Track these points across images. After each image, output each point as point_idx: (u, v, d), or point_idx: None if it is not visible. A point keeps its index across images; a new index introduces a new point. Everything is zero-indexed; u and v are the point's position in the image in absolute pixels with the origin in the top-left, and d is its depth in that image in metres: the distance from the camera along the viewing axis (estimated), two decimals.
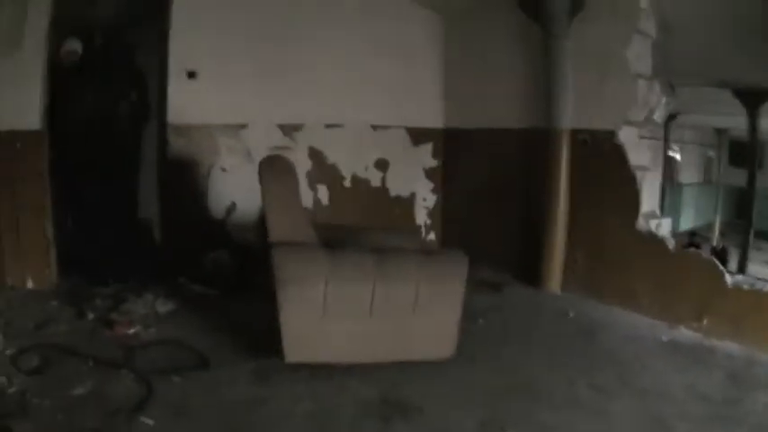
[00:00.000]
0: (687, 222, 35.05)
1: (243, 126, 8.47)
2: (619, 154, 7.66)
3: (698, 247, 20.50)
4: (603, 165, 7.84)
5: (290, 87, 8.66)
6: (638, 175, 7.59)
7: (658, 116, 8.09)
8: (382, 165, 9.83)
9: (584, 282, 8.19)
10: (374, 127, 9.64)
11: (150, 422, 4.40)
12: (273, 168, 5.85)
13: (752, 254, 28.10)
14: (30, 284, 7.37)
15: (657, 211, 8.15)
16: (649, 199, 7.88)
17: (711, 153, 37.13)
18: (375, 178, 9.80)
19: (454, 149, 10.15)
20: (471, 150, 9.80)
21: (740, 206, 17.56)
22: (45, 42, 7.20)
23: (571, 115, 8.07)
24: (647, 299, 7.52)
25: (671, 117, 24.97)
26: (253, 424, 4.54)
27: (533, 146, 8.51)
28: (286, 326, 5.21)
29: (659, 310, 7.38)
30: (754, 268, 24.53)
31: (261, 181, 5.57)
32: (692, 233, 21.93)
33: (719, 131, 31.82)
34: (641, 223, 7.57)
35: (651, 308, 7.46)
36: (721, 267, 7.03)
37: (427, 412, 4.81)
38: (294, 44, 8.67)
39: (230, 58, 8.19)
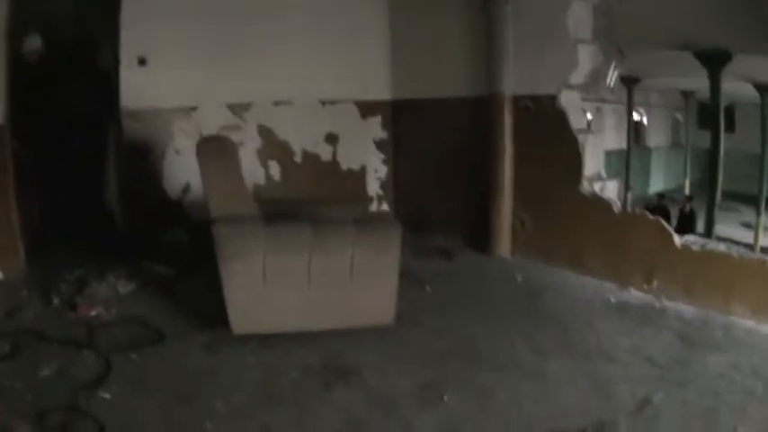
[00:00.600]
0: (657, 185, 35.14)
1: (194, 108, 8.54)
2: (560, 118, 7.76)
3: (664, 209, 20.71)
4: (546, 129, 7.95)
5: (239, 67, 8.73)
6: (581, 138, 7.70)
7: (607, 80, 8.20)
8: (332, 139, 9.93)
9: (533, 246, 8.33)
10: (323, 102, 9.73)
11: (107, 396, 4.58)
12: (211, 148, 6.03)
13: (727, 215, 28.35)
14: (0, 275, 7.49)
15: (603, 173, 8.24)
16: (594, 161, 8.02)
17: (679, 116, 37.23)
18: (326, 152, 9.90)
19: (404, 120, 10.22)
20: (420, 121, 9.86)
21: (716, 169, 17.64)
22: (3, 38, 7.27)
23: (513, 81, 8.19)
24: (595, 261, 7.65)
25: (634, 80, 25.12)
26: (204, 392, 4.70)
27: (479, 113, 8.60)
28: (230, 299, 5.36)
29: (608, 273, 7.50)
30: (727, 230, 24.75)
31: (199, 161, 5.72)
32: (661, 195, 22.02)
33: (686, 94, 31.85)
34: (585, 186, 7.67)
35: (600, 270, 7.58)
36: (669, 228, 7.11)
37: (367, 377, 4.95)
38: (242, 25, 8.72)
39: (180, 42, 8.23)
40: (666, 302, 6.83)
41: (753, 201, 26.53)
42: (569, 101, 7.81)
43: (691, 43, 15.41)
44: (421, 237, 9.11)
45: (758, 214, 23.48)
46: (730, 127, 35.15)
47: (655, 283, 7.06)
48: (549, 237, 8.14)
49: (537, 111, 8.01)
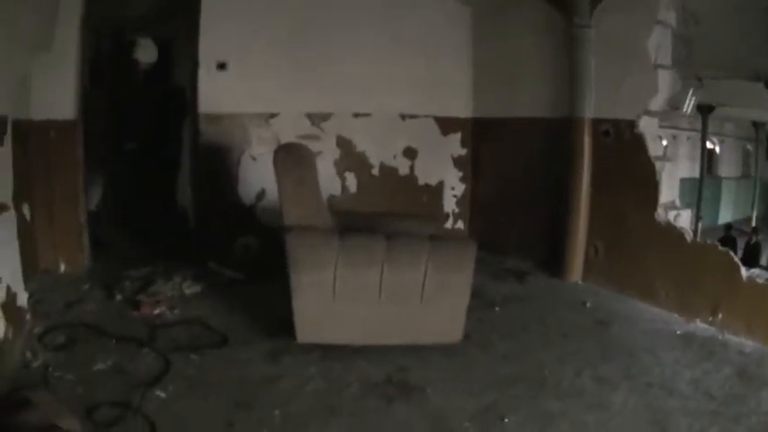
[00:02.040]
0: (726, 216, 34.77)
1: (273, 115, 8.61)
2: (639, 144, 7.66)
3: (733, 240, 20.42)
4: (624, 155, 7.86)
5: (319, 77, 8.78)
6: (658, 165, 7.59)
7: (685, 107, 8.14)
8: (411, 153, 9.90)
9: (605, 273, 8.22)
10: (402, 116, 9.71)
11: (162, 395, 4.65)
12: (288, 156, 6.03)
13: None
14: (63, 268, 7.67)
15: (677, 202, 8.16)
16: (669, 189, 7.93)
17: (750, 146, 36.72)
18: (403, 166, 9.88)
19: (483, 139, 10.18)
20: (499, 140, 9.83)
21: None
22: (78, 39, 7.47)
23: (593, 105, 8.12)
24: (664, 291, 7.51)
25: (708, 109, 24.82)
26: (262, 400, 4.72)
27: (558, 135, 8.54)
28: (298, 308, 5.39)
29: (676, 303, 7.37)
30: None
31: (275, 168, 5.76)
32: (729, 226, 21.63)
33: (757, 125, 31.31)
34: (660, 214, 7.55)
35: (668, 300, 7.46)
36: (737, 260, 6.96)
37: (430, 395, 4.94)
38: (323, 36, 8.79)
39: (261, 49, 8.37)
40: (729, 336, 6.71)
41: None
42: (647, 127, 7.72)
43: (763, 74, 15.20)
44: (494, 257, 9.06)
45: None
46: None
47: (720, 315, 6.92)
48: (622, 264, 8.03)
49: (616, 135, 7.93)
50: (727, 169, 36.51)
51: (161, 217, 9.63)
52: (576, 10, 8.03)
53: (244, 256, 8.03)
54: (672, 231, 7.45)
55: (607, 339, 6.58)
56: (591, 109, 8.14)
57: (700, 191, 25.49)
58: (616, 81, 7.87)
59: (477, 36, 10.08)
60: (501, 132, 9.80)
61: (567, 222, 8.41)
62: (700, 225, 24.73)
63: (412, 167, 9.98)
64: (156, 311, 6.41)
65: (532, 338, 6.44)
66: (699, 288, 7.18)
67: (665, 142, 28.70)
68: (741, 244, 21.23)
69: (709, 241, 7.43)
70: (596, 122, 8.12)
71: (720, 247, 7.14)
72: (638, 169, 7.71)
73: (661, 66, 7.63)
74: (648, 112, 7.70)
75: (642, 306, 7.62)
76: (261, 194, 8.55)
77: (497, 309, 7.25)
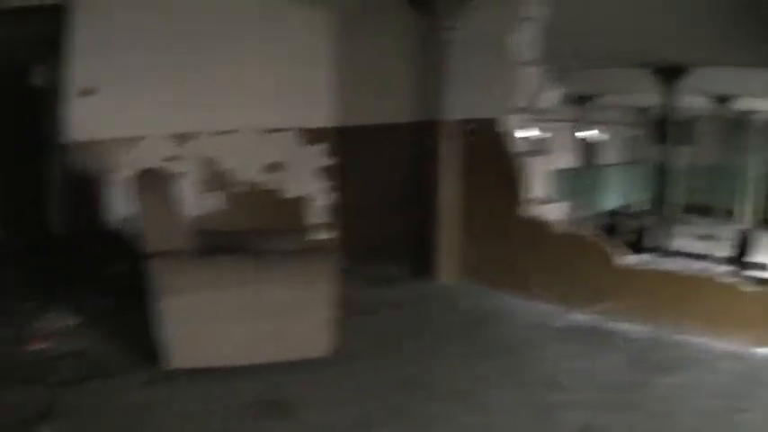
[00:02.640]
0: (612, 202, 35.42)
1: (139, 138, 8.34)
2: (504, 142, 7.80)
3: (618, 226, 20.74)
4: (490, 153, 7.95)
5: (183, 98, 8.56)
6: (525, 160, 7.74)
7: (551, 100, 8.34)
8: (277, 167, 9.82)
9: (479, 271, 8.29)
10: (266, 131, 9.61)
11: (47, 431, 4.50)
12: (148, 181, 5.96)
13: (686, 229, 28.52)
14: None
15: (549, 195, 8.23)
16: (540, 183, 8.02)
17: (635, 132, 37.54)
18: (270, 181, 9.79)
19: (349, 147, 10.08)
20: (366, 147, 9.74)
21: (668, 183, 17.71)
22: None
23: (459, 106, 8.20)
24: (540, 285, 7.63)
25: (587, 99, 25.30)
26: (141, 429, 4.62)
27: (424, 138, 8.61)
28: (168, 333, 5.25)
29: (554, 296, 7.49)
30: (686, 243, 24.94)
31: (136, 194, 5.67)
32: (613, 213, 22.01)
33: (643, 110, 32.03)
34: (529, 209, 7.69)
35: (546, 294, 7.57)
36: (611, 248, 7.14)
37: (304, 411, 4.83)
38: (186, 56, 8.58)
39: (127, 73, 8.02)
40: (613, 324, 6.80)
41: (709, 212, 26.90)
42: (514, 123, 7.85)
43: (647, 60, 15.49)
44: (367, 265, 9.06)
45: (717, 227, 23.57)
46: (690, 141, 35.63)
47: (600, 304, 7.03)
48: (495, 261, 8.10)
49: (481, 135, 8.02)
50: (610, 156, 37.21)
51: (36, 247, 9.40)
52: (441, 12, 8.13)
53: (116, 283, 7.89)
54: (542, 225, 7.58)
55: (485, 338, 6.58)
56: (456, 110, 8.22)
57: (580, 180, 26.03)
58: (482, 80, 7.98)
59: (342, 44, 9.98)
60: (367, 139, 9.71)
61: (437, 224, 8.49)
62: (582, 214, 25.33)
63: (278, 181, 9.86)
64: (40, 346, 6.21)
65: (407, 345, 6.40)
66: (576, 279, 7.34)
67: (540, 135, 29.36)
68: (629, 228, 21.47)
69: (583, 232, 7.54)
70: (462, 123, 8.20)
71: (593, 236, 7.33)
72: (505, 166, 7.82)
73: (527, 62, 7.77)
74: (514, 109, 7.82)
75: (520, 302, 7.70)
76: (128, 220, 8.39)
77: (369, 317, 7.18)
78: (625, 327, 6.71)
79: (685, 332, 6.44)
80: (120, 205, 8.29)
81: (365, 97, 9.68)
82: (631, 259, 7.17)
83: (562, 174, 28.67)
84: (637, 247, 20.12)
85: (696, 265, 21.25)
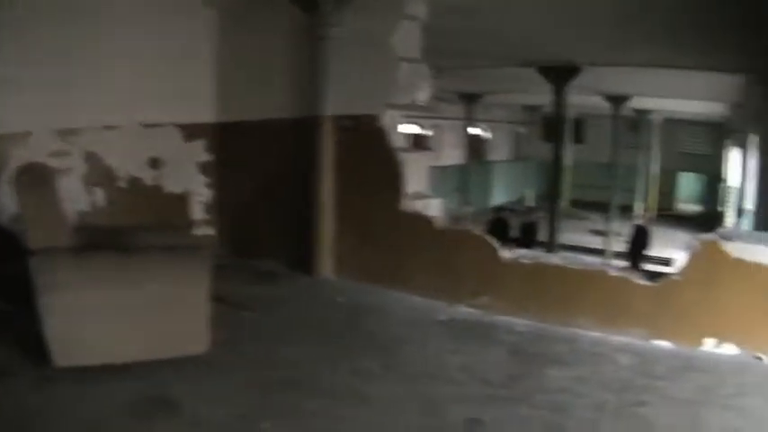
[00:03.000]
0: (500, 198, 36.33)
1: (27, 134, 8.11)
2: (381, 138, 7.88)
3: (504, 222, 21.00)
4: (368, 149, 8.04)
5: (68, 93, 8.32)
6: (403, 156, 7.83)
7: (427, 96, 8.32)
8: (156, 163, 9.68)
9: (358, 266, 8.33)
10: (146, 125, 9.43)
11: None
12: (27, 178, 5.86)
13: (577, 224, 29.23)
14: None
15: (428, 190, 8.35)
16: (418, 178, 8.10)
17: (523, 130, 38.29)
18: (150, 177, 9.64)
19: (229, 143, 10.00)
20: (245, 143, 9.71)
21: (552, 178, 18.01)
22: None
23: (337, 102, 8.23)
24: (421, 279, 7.72)
25: (475, 96, 25.58)
26: (32, 429, 4.55)
27: (302, 135, 8.63)
28: (52, 332, 5.14)
29: (436, 290, 7.57)
30: (577, 238, 25.47)
31: (16, 192, 5.61)
32: (499, 208, 22.28)
33: (531, 108, 32.63)
34: (407, 204, 7.76)
35: (427, 288, 7.65)
36: (494, 242, 7.30)
37: (186, 408, 4.79)
38: (72, 51, 8.38)
39: (15, 67, 7.88)
40: (498, 317, 6.89)
41: (602, 208, 27.51)
42: (391, 119, 7.94)
43: (536, 59, 15.80)
44: (247, 260, 9.05)
45: (609, 222, 24.47)
46: (579, 139, 36.50)
47: (484, 298, 7.15)
48: (375, 256, 8.17)
49: (359, 131, 8.09)
50: (498, 153, 37.88)
51: None
52: (323, 9, 8.12)
53: (10, 284, 7.73)
54: (421, 220, 7.66)
55: (366, 333, 6.57)
56: (336, 106, 8.25)
57: (467, 176, 26.29)
58: (362, 77, 8.04)
59: (224, 39, 9.87)
60: (246, 135, 9.69)
61: (314, 220, 8.49)
62: (471, 210, 25.68)
63: (158, 177, 9.76)
64: None
65: (286, 340, 6.34)
66: (458, 272, 7.46)
67: (428, 131, 30.00)
68: (518, 224, 21.74)
69: (461, 226, 7.64)
70: (339, 119, 8.24)
71: (474, 231, 7.48)
72: (382, 162, 7.91)
73: (405, 58, 7.84)
74: (391, 105, 7.91)
75: (402, 297, 7.73)
76: (17, 218, 8.20)
77: (248, 314, 7.06)
78: (511, 321, 6.80)
79: (577, 326, 6.58)
80: (7, 203, 8.15)
81: (247, 93, 9.60)
82: (517, 253, 7.26)
83: (451, 170, 29.46)
84: (528, 242, 20.69)
85: (588, 259, 21.70)
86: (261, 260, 9.09)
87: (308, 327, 6.78)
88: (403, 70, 7.81)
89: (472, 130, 29.20)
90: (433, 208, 8.02)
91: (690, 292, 6.27)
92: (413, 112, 8.19)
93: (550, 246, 17.96)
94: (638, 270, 20.76)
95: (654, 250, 22.26)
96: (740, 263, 5.99)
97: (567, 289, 6.81)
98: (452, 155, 30.90)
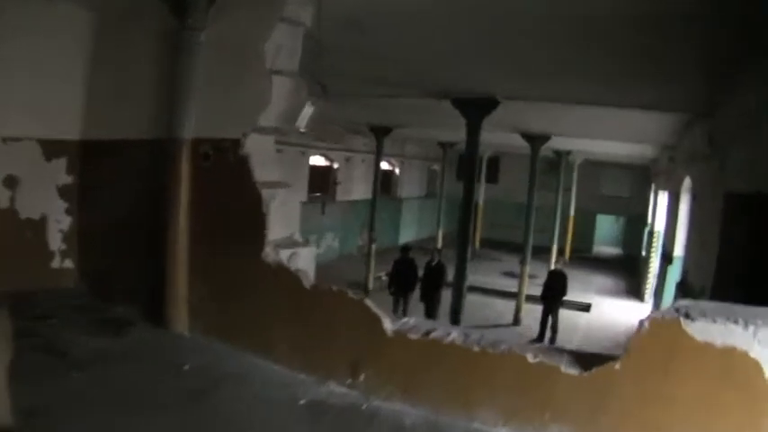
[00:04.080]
0: (408, 235, 37.57)
1: None
2: (243, 169, 6.34)
3: (410, 261, 19.89)
4: (227, 182, 6.54)
5: None
6: (267, 193, 6.28)
7: (302, 119, 6.81)
8: (11, 182, 8.32)
9: (214, 323, 6.80)
10: (3, 139, 8.14)
11: None
12: None
13: (489, 265, 28.79)
14: None
15: (297, 236, 6.83)
16: (285, 222, 6.62)
17: (436, 167, 38.58)
18: (3, 198, 8.29)
19: (91, 164, 8.52)
20: (108, 165, 8.23)
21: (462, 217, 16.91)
22: None
23: (197, 122, 6.72)
24: (285, 346, 6.20)
25: (385, 130, 24.66)
26: None
27: (159, 160, 7.11)
28: None
29: (302, 362, 6.08)
30: (487, 280, 24.81)
31: None
32: (405, 247, 21.11)
33: (445, 145, 32.21)
34: (270, 253, 6.24)
35: (292, 358, 6.13)
36: (377, 311, 5.73)
37: None
38: None
39: None
40: (380, 404, 5.50)
41: (515, 249, 27.73)
42: (257, 146, 6.42)
43: (448, 90, 14.49)
44: (99, 302, 7.75)
45: (523, 264, 23.67)
46: (493, 177, 36.72)
47: (362, 376, 5.69)
48: (232, 313, 6.65)
49: (218, 159, 6.57)
50: (409, 189, 38.19)
51: None
52: (190, 11, 6.65)
53: None
54: (286, 275, 6.12)
55: (210, 413, 5.28)
56: (196, 127, 6.72)
57: (372, 212, 25.45)
58: (224, 92, 6.58)
59: (98, 47, 8.39)
60: (109, 157, 8.22)
61: (165, 263, 6.95)
62: (375, 247, 24.82)
63: (12, 199, 8.38)
64: None
65: (113, 412, 5.08)
66: (330, 342, 5.96)
67: (336, 165, 29.54)
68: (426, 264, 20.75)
69: (336, 287, 6.01)
70: (197, 143, 6.71)
71: (352, 294, 5.86)
72: (241, 200, 6.41)
73: (279, 71, 6.38)
74: (258, 129, 6.42)
75: (262, 364, 6.28)
76: None
77: (76, 374, 5.74)
78: (396, 410, 5.43)
79: (481, 420, 5.21)
80: None
81: (114, 108, 8.10)
82: (404, 324, 5.69)
83: (360, 205, 29.29)
84: (436, 284, 19.53)
85: (498, 304, 20.92)
86: (116, 303, 7.68)
87: (143, 397, 5.49)
88: (276, 86, 6.32)
89: (383, 165, 28.30)
90: (305, 259, 6.55)
91: (634, 384, 4.78)
92: (287, 136, 6.62)
93: (459, 288, 16.56)
94: (555, 315, 20.21)
95: (571, 294, 21.37)
96: (707, 348, 4.43)
97: (470, 373, 5.31)
98: (361, 189, 31.12)
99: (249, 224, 6.28)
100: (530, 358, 5.12)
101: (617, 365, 4.79)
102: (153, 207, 7.20)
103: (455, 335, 5.44)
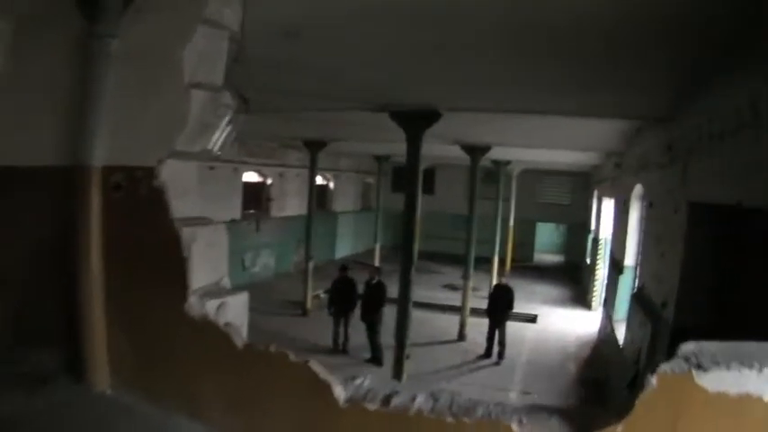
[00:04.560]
0: (345, 250, 38.48)
1: None
2: (157, 202, 5.22)
3: (349, 281, 19.40)
4: (141, 219, 5.37)
5: None
6: (188, 233, 5.19)
7: (214, 141, 5.69)
8: None
9: (139, 380, 5.60)
10: None
11: None
12: None
13: (429, 278, 28.45)
14: None
15: (226, 281, 5.75)
16: (212, 265, 5.54)
17: (370, 179, 38.56)
18: None
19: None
20: (11, 195, 6.50)
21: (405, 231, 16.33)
22: None
23: (107, 146, 5.50)
24: (218, 412, 5.12)
25: (319, 144, 24.13)
26: None
27: (65, 192, 5.79)
28: None
29: (239, 427, 5.01)
30: (427, 293, 24.36)
31: None
32: (343, 266, 20.65)
33: (380, 158, 32.15)
34: (194, 305, 5.15)
35: (225, 423, 5.07)
36: (325, 377, 4.68)
37: None
38: None
39: None
40: None
41: (454, 261, 27.53)
42: (176, 175, 5.33)
43: (386, 102, 13.69)
44: (20, 353, 6.28)
45: (466, 278, 23.12)
46: (429, 189, 36.49)
47: None
48: (158, 371, 5.50)
49: (131, 191, 5.40)
50: (344, 203, 39.06)
51: None
52: (102, 14, 5.47)
53: None
54: (214, 331, 5.03)
55: None
56: (105, 152, 5.50)
57: (308, 228, 24.91)
58: (138, 110, 5.40)
59: (13, 56, 6.60)
60: (14, 186, 6.52)
61: (78, 311, 5.76)
62: (310, 264, 24.42)
63: None
64: None
65: None
66: (269, 412, 4.92)
67: (269, 180, 28.95)
68: (365, 281, 20.37)
69: (273, 348, 4.99)
70: (109, 172, 5.51)
71: (293, 357, 4.81)
72: (158, 241, 5.26)
73: (200, 85, 5.27)
74: (176, 154, 5.32)
75: (193, 429, 5.18)
76: None
77: None
78: None
79: None
80: None
81: (26, 128, 6.50)
82: (359, 389, 4.71)
83: (294, 221, 29.00)
84: (369, 306, 19.41)
85: (442, 319, 20.42)
86: (38, 352, 6.22)
87: None
88: (196, 102, 5.23)
89: (317, 179, 27.69)
90: (236, 309, 5.50)
91: None
92: (204, 159, 5.65)
93: (404, 307, 15.56)
94: (502, 329, 19.74)
95: (516, 305, 21.35)
96: (721, 398, 3.61)
97: None
98: (296, 205, 31.39)
99: (168, 270, 5.20)
100: (515, 427, 4.20)
101: (619, 428, 3.93)
102: (63, 245, 5.95)
103: (420, 400, 4.48)
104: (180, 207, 5.26)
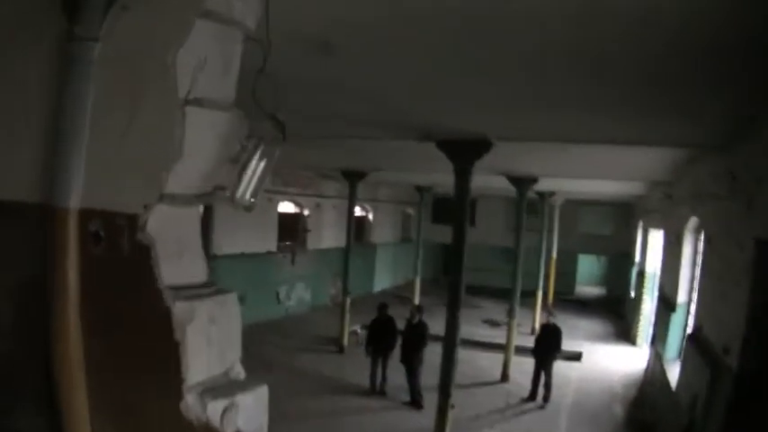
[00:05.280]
0: (383, 283, 38.52)
1: None
2: (142, 264, 3.72)
3: (390, 323, 18.50)
4: (123, 284, 3.88)
5: None
6: (182, 308, 3.71)
7: (243, 187, 4.35)
8: None
9: None
10: None
11: None
12: None
13: (468, 313, 27.60)
14: None
15: (238, 370, 4.22)
16: (218, 351, 4.03)
17: (410, 210, 37.87)
18: None
19: None
20: None
21: (446, 263, 15.42)
22: None
23: (84, 183, 4.01)
24: None
25: (359, 175, 23.50)
26: None
27: (45, 238, 4.23)
28: None
29: None
30: (467, 329, 23.50)
31: None
32: (382, 306, 19.94)
33: (422, 189, 32.16)
34: (192, 405, 3.70)
35: None
36: None
37: None
38: None
39: None
40: None
41: (493, 294, 30.29)
42: (168, 226, 3.84)
43: (433, 130, 12.86)
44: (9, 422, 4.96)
45: (511, 316, 22.36)
46: (471, 221, 36.01)
47: None
48: None
49: (111, 244, 3.89)
50: (384, 234, 38.93)
51: None
52: (82, 15, 4.08)
53: None
54: None
55: None
56: (85, 191, 4.01)
57: (346, 260, 24.19)
58: (120, 135, 3.93)
59: None
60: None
61: (58, 393, 4.24)
62: (351, 295, 23.76)
63: None
64: None
65: None
66: None
67: (306, 211, 28.33)
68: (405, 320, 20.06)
69: None
70: (86, 216, 4.00)
71: None
72: (144, 315, 3.80)
73: (201, 101, 3.82)
74: (169, 197, 3.81)
75: None
76: None
77: None
78: None
79: None
80: None
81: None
82: None
83: (331, 253, 28.48)
84: (410, 348, 18.79)
85: (483, 358, 19.48)
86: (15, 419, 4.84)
87: None
88: (195, 124, 3.77)
89: (356, 210, 26.90)
90: (251, 412, 4.05)
91: None
92: (227, 206, 4.33)
93: (450, 349, 14.69)
94: (548, 372, 18.66)
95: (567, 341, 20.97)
96: None
97: None
98: (333, 236, 31.04)
99: (156, 356, 3.80)
100: None
101: None
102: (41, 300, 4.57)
103: None
104: (173, 271, 3.81)
